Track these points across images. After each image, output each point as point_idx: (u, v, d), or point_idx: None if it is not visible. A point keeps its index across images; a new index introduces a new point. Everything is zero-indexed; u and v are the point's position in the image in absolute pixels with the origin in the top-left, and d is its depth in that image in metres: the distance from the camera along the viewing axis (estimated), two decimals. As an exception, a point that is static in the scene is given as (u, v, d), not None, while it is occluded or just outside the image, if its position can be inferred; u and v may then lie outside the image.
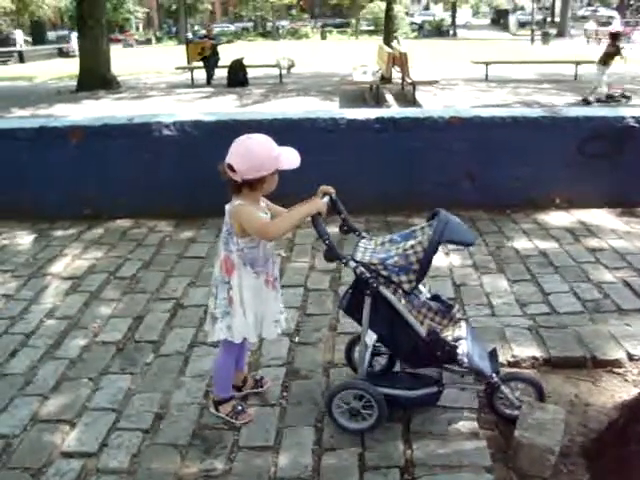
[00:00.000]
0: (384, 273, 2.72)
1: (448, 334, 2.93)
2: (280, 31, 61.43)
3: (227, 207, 2.82)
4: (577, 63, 19.23)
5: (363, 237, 2.99)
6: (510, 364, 3.44)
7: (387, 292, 2.76)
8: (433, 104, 13.68)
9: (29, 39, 50.98)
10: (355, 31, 58.28)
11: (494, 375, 2.89)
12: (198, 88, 18.45)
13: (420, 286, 2.93)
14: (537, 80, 18.94)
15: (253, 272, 2.85)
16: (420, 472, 2.70)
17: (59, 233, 5.74)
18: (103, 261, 5.08)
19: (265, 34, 62.06)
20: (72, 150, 5.93)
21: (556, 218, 5.73)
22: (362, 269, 2.74)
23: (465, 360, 2.80)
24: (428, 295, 3.11)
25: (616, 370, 3.42)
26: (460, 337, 2.89)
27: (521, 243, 5.18)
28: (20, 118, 12.83)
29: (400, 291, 2.77)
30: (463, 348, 2.82)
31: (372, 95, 15.51)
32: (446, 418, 3.01)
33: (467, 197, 5.86)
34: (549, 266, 4.74)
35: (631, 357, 3.49)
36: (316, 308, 4.17)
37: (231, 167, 2.68)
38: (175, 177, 5.93)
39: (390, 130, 5.82)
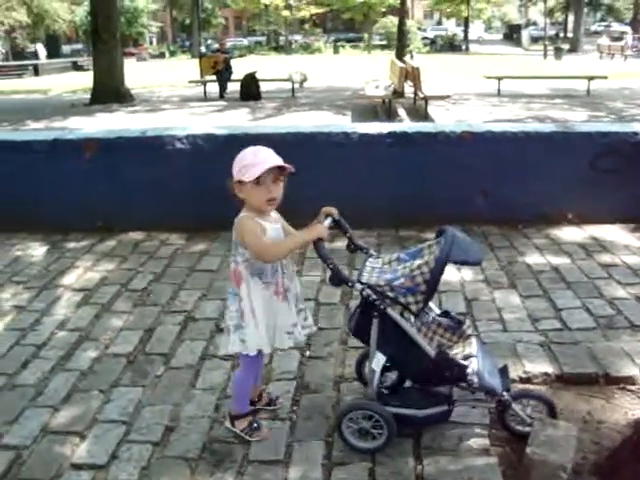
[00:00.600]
0: (391, 295, 2.70)
1: (458, 351, 2.91)
2: (293, 45, 61.77)
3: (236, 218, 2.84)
4: (590, 78, 19.23)
5: (371, 255, 2.98)
6: (522, 380, 3.42)
7: (394, 314, 2.74)
8: (445, 119, 13.70)
9: (45, 52, 51.49)
10: (367, 45, 58.51)
11: (505, 393, 2.86)
12: (211, 102, 18.57)
13: (430, 303, 2.91)
14: (549, 95, 18.93)
15: (262, 283, 2.83)
16: (430, 488, 2.68)
17: (71, 245, 5.77)
18: (115, 273, 5.10)
19: (278, 48, 62.45)
20: (86, 163, 5.98)
21: (568, 233, 5.71)
22: (369, 291, 2.72)
23: (475, 380, 2.77)
24: (438, 311, 3.09)
25: (629, 387, 3.39)
26: (470, 354, 2.86)
27: (533, 258, 5.16)
28: (35, 130, 12.93)
29: (407, 313, 2.76)
30: (473, 367, 2.79)
31: (384, 109, 15.54)
32: (457, 434, 2.99)
33: (479, 212, 5.85)
34: (561, 282, 4.71)
35: (644, 374, 3.46)
36: (327, 322, 4.16)
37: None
38: (187, 190, 5.96)
39: (402, 145, 5.83)
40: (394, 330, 2.76)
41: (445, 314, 3.09)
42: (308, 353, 3.78)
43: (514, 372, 3.42)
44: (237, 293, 2.85)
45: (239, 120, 14.56)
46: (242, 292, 2.84)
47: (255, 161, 2.69)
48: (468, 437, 2.97)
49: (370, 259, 2.95)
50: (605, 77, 19.44)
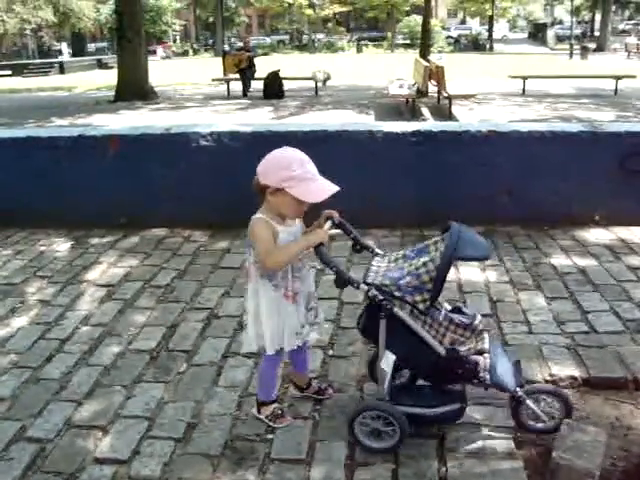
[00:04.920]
0: (397, 294, 2.66)
1: (471, 347, 2.88)
2: (316, 44, 61.79)
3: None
4: (617, 78, 18.97)
5: (377, 254, 2.95)
6: (547, 383, 3.37)
7: (402, 313, 2.71)
8: (469, 118, 13.60)
9: (70, 51, 52.00)
10: (391, 45, 58.34)
11: (518, 389, 2.83)
12: (234, 100, 18.62)
13: (440, 299, 2.87)
14: (575, 95, 18.72)
15: (271, 284, 2.81)
16: (455, 491, 2.65)
17: (95, 241, 5.80)
18: (138, 269, 5.11)
19: (301, 47, 62.55)
20: (110, 159, 6.01)
21: (595, 235, 5.62)
22: (374, 292, 2.68)
23: (487, 376, 2.75)
24: (449, 307, 3.06)
25: (659, 392, 3.33)
26: (483, 350, 2.83)
27: (559, 260, 5.09)
28: (59, 127, 13.04)
29: (416, 311, 2.73)
30: (485, 363, 2.76)
31: (408, 108, 15.47)
32: (481, 436, 2.95)
33: (504, 212, 5.79)
34: (588, 284, 4.64)
35: (674, 379, 3.39)
36: (350, 321, 4.12)
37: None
38: (211, 187, 5.96)
39: (427, 143, 5.78)
40: (402, 329, 2.74)
41: (457, 310, 3.06)
42: (331, 352, 3.76)
43: (540, 375, 3.38)
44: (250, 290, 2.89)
45: (262, 118, 14.58)
46: (250, 290, 2.86)
47: (305, 175, 2.64)
48: (493, 440, 2.92)
49: (376, 258, 2.92)
50: (634, 76, 19.18)
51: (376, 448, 2.88)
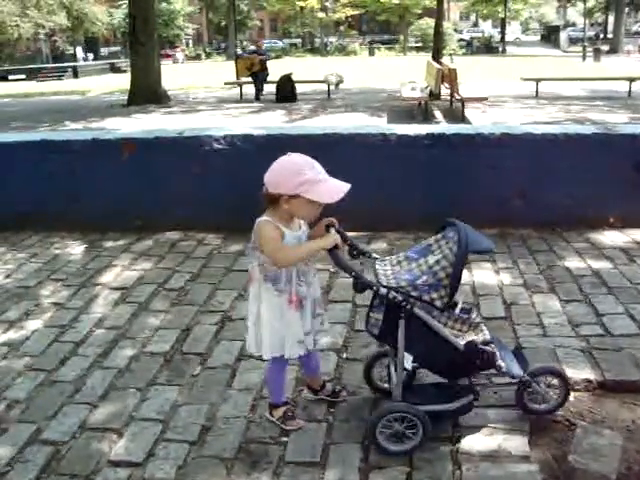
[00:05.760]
0: (414, 294, 2.68)
1: (474, 339, 2.90)
2: (328, 47, 61.92)
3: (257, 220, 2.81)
4: (631, 80, 18.87)
5: (375, 258, 2.95)
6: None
7: (421, 312, 2.72)
8: (482, 121, 13.56)
9: (84, 55, 52.33)
10: (403, 47, 58.37)
11: (525, 374, 2.91)
12: (247, 103, 18.67)
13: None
14: (589, 97, 18.62)
15: (275, 290, 2.81)
16: (469, 494, 2.64)
17: (109, 244, 5.83)
18: (152, 272, 5.13)
19: (313, 50, 62.70)
20: (123, 162, 6.04)
21: (610, 237, 5.59)
22: (394, 293, 2.69)
23: (502, 364, 2.83)
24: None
25: (678, 395, 3.30)
26: (487, 341, 2.88)
27: (573, 262, 5.06)
28: (73, 131, 13.13)
29: (433, 308, 2.74)
30: (498, 353, 2.82)
31: (420, 111, 15.46)
32: (496, 439, 2.93)
33: (518, 215, 5.76)
34: (602, 286, 4.61)
35: (690, 382, 3.37)
36: (364, 324, 4.12)
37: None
38: (224, 190, 5.98)
39: (441, 146, 5.77)
40: (420, 329, 2.75)
41: (453, 305, 3.05)
42: (345, 355, 3.75)
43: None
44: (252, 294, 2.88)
45: (275, 121, 14.61)
46: (251, 294, 2.87)
47: (317, 176, 2.66)
48: (508, 442, 2.91)
49: (377, 262, 2.92)
50: (647, 78, 19.05)
51: (398, 451, 2.87)
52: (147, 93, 18.81)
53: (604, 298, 4.42)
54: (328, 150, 5.66)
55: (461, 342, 2.79)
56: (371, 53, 57.11)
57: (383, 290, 2.70)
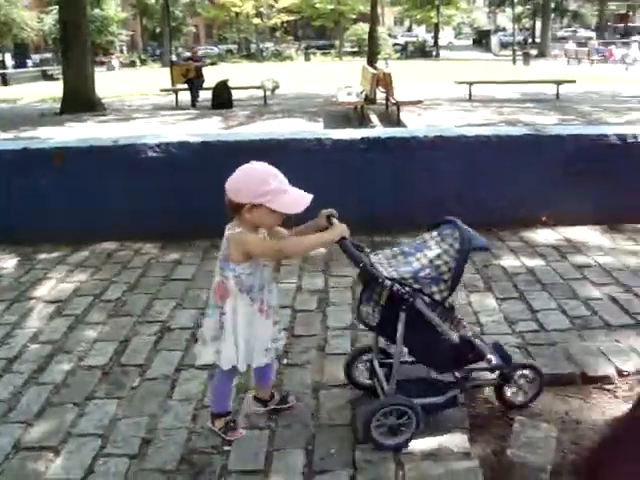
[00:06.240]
0: (416, 286, 2.73)
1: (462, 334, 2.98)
2: (264, 53, 61.85)
3: (227, 232, 2.78)
4: (558, 83, 19.53)
5: (367, 252, 2.96)
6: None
7: (422, 305, 2.76)
8: (418, 124, 13.76)
9: (14, 62, 50.84)
10: (339, 52, 58.78)
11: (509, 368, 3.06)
12: (183, 110, 18.49)
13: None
14: (520, 100, 19.16)
15: (248, 298, 2.80)
16: (412, 494, 2.67)
17: (43, 256, 5.68)
18: (88, 284, 5.02)
19: (249, 56, 62.45)
20: (56, 172, 5.89)
21: (543, 236, 5.75)
22: (398, 286, 2.72)
23: (492, 357, 2.99)
24: None
25: (606, 386, 3.41)
26: (474, 335, 3.00)
27: (508, 261, 5.19)
28: (4, 140, 12.75)
29: (431, 302, 2.78)
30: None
31: (356, 116, 15.59)
32: (437, 438, 2.97)
33: (453, 216, 5.83)
34: (537, 283, 4.74)
35: (621, 373, 3.48)
36: (304, 329, 4.14)
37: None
38: (161, 198, 5.89)
39: (376, 150, 5.83)
40: (418, 322, 2.78)
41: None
42: (285, 361, 3.74)
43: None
44: (220, 306, 2.82)
45: (211, 128, 14.50)
46: (227, 307, 2.80)
47: (281, 186, 2.66)
48: (449, 440, 2.95)
49: (371, 255, 2.94)
50: (573, 81, 19.70)
51: (392, 445, 2.90)
52: (80, 101, 18.39)
53: (538, 295, 4.54)
54: (265, 156, 5.59)
55: (454, 336, 2.86)
56: (307, 58, 57.28)
57: (388, 282, 2.72)
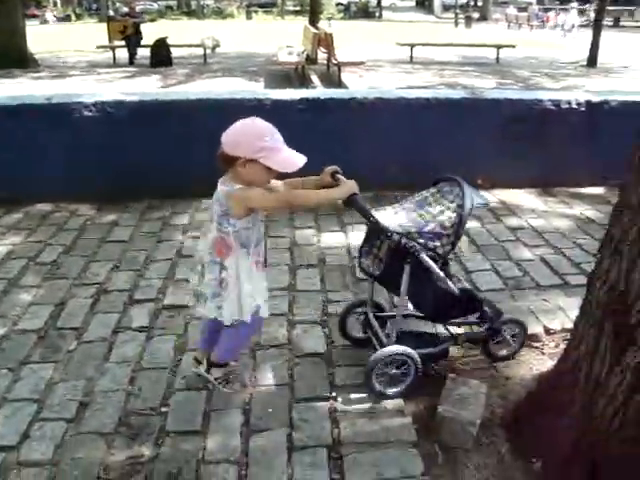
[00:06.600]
0: (421, 241, 2.81)
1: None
2: (205, 10, 60.42)
3: (223, 188, 2.71)
4: (498, 47, 19.75)
5: (370, 209, 2.99)
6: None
7: (426, 258, 2.83)
8: (359, 85, 13.75)
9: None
10: (281, 11, 57.89)
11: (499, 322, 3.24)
12: (120, 68, 17.98)
13: None
14: (460, 63, 19.30)
15: (246, 252, 2.79)
16: (347, 450, 2.74)
17: (-26, 218, 5.52)
18: (22, 246, 4.91)
19: (189, 13, 60.85)
20: (-14, 131, 5.69)
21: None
22: (405, 240, 2.78)
23: (488, 310, 3.18)
24: None
25: (534, 344, 3.55)
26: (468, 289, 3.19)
27: (444, 223, 5.28)
28: None
29: (434, 255, 2.86)
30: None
31: (297, 76, 15.46)
32: (372, 396, 3.05)
33: (393, 177, 5.91)
34: (471, 245, 4.85)
35: (548, 331, 3.64)
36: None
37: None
38: (97, 159, 5.77)
39: (315, 111, 5.82)
40: (422, 274, 2.86)
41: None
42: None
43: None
44: (220, 262, 2.78)
45: (150, 87, 14.16)
46: (228, 262, 2.77)
47: (277, 145, 2.64)
48: (383, 399, 3.04)
49: (373, 212, 2.97)
50: (513, 46, 19.97)
51: (393, 393, 3.02)
52: (11, 56, 17.62)
53: (473, 256, 4.66)
54: (202, 116, 5.57)
55: (456, 289, 2.95)
56: (249, 17, 56.18)
57: (396, 236, 2.78)
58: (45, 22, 49.57)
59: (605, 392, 2.38)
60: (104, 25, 21.14)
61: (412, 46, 19.53)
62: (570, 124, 6.13)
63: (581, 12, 40.43)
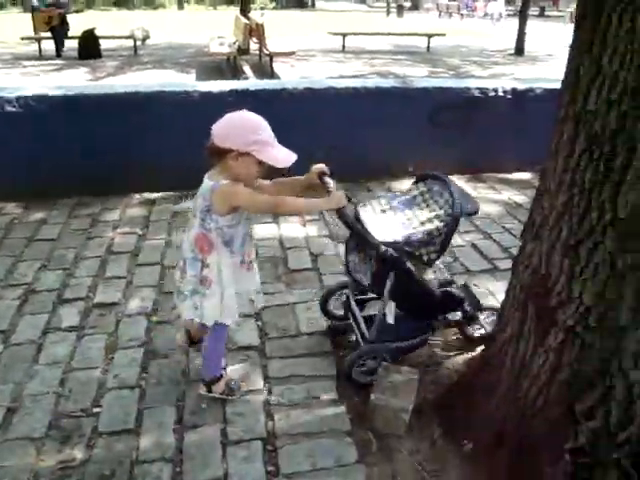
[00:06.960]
0: (407, 249, 2.82)
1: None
2: (135, 0, 59.13)
3: (209, 183, 2.63)
4: (429, 36, 20.02)
5: (355, 204, 3.01)
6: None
7: (410, 266, 2.86)
8: (291, 75, 13.72)
9: None
10: (213, 1, 57.16)
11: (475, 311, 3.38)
12: (47, 60, 17.44)
13: None
14: (392, 51, 19.47)
15: (229, 251, 2.73)
16: (282, 442, 2.75)
17: None
18: (-57, 248, 4.73)
19: (119, 3, 59.45)
20: None
21: (408, 185, 5.90)
22: (391, 251, 2.78)
23: (468, 308, 3.29)
24: None
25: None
26: (449, 281, 3.25)
27: (377, 212, 5.33)
28: None
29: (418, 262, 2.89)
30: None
31: (229, 67, 15.32)
32: (306, 387, 3.08)
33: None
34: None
35: (478, 315, 3.71)
36: (173, 286, 4.08)
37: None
38: (22, 156, 5.57)
39: (245, 103, 5.72)
40: (406, 280, 2.89)
41: None
42: (155, 318, 3.72)
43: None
44: (200, 259, 2.72)
45: (78, 80, 13.80)
46: (210, 259, 2.71)
47: (269, 140, 2.62)
48: (317, 390, 3.07)
49: (359, 208, 2.99)
50: (444, 34, 20.26)
51: (368, 382, 3.04)
52: None
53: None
54: (131, 109, 5.47)
55: (438, 292, 3.07)
56: (180, 6, 55.25)
57: (382, 248, 2.77)
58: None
59: (529, 373, 2.46)
60: (28, 15, 20.44)
61: (344, 35, 19.60)
62: (498, 111, 6.27)
63: (508, 1, 41.25)
